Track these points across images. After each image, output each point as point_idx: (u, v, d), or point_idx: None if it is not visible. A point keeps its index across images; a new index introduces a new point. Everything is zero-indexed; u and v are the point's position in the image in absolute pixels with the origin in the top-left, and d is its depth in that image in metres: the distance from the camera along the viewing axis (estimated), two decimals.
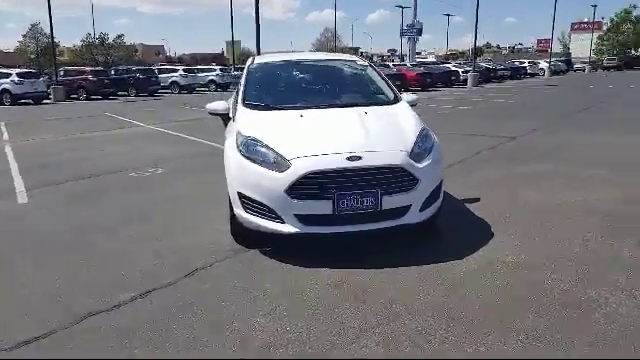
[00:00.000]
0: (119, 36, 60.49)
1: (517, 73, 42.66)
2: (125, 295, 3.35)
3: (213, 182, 6.42)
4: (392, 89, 5.05)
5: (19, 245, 4.40)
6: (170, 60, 78.15)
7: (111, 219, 5.05)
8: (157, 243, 4.32)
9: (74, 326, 2.98)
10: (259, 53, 17.86)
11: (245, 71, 5.13)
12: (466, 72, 34.14)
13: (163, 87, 31.52)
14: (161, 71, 33.32)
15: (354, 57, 6.54)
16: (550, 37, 52.42)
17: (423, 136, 4.10)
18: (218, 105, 4.88)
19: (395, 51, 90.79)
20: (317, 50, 70.53)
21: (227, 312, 3.10)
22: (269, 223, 3.76)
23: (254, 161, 3.83)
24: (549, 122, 12.21)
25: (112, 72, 31.72)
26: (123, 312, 3.14)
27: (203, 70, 36.43)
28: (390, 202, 3.72)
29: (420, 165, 3.83)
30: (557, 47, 74.44)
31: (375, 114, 4.42)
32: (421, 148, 3.95)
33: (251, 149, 3.91)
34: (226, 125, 4.86)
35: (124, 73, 31.17)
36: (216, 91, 33.55)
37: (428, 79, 29.62)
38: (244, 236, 4.16)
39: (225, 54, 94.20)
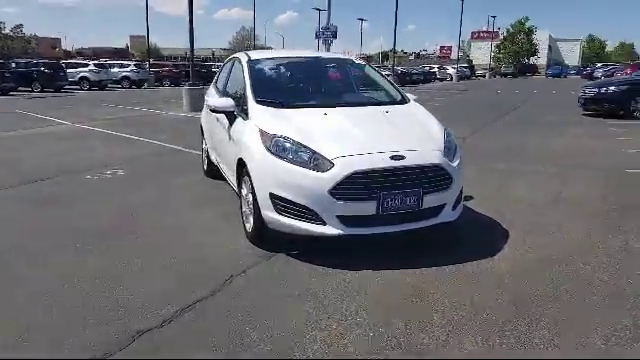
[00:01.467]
0: (17, 26, 55.36)
1: (429, 77, 44.85)
2: (170, 309, 3.05)
3: (189, 185, 6.13)
4: (397, 88, 5.06)
5: None
6: (69, 54, 72.88)
7: (106, 230, 4.59)
8: (170, 253, 3.98)
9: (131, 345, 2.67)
10: (192, 51, 17.16)
11: (245, 68, 4.87)
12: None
13: (71, 82, 29.32)
14: (69, 65, 30.98)
15: (349, 56, 6.49)
16: (450, 44, 55.72)
17: (449, 135, 4.14)
18: (224, 102, 4.60)
19: None
20: (234, 49, 69.42)
21: (298, 318, 2.93)
22: (308, 225, 3.61)
23: (290, 161, 3.66)
24: (484, 125, 12.89)
25: (13, 65, 28.95)
26: (175, 326, 2.86)
27: (116, 65, 34.40)
28: (429, 201, 3.72)
29: (453, 164, 3.88)
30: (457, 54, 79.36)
31: (396, 113, 4.40)
32: (450, 148, 3.99)
33: (285, 148, 3.73)
34: (231, 123, 4.59)
35: (27, 66, 28.56)
36: (130, 88, 31.89)
37: None
38: (265, 240, 3.97)
39: (130, 49, 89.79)
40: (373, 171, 3.53)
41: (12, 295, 3.26)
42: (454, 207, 3.95)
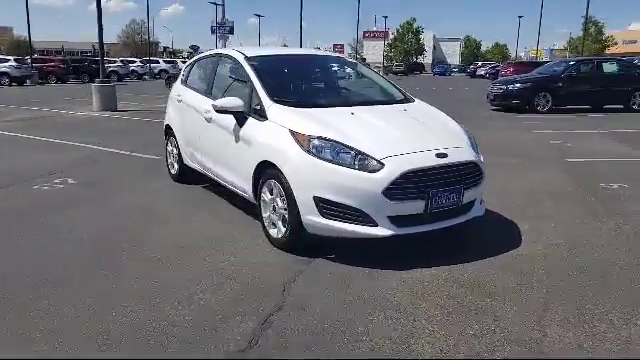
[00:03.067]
0: None
1: None
2: (247, 325, 2.82)
3: (163, 192, 5.73)
4: (396, 87, 5.09)
5: None
6: None
7: (114, 254, 4.10)
8: (204, 273, 3.67)
9: None
10: (102, 47, 15.92)
11: (246, 66, 4.60)
12: None
13: None
14: None
15: (339, 54, 6.41)
16: (342, 43, 57.27)
17: (468, 132, 4.25)
18: (232, 102, 4.29)
19: (198, 48, 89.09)
20: (124, 43, 65.66)
21: (390, 325, 2.84)
22: (358, 227, 3.51)
23: (333, 162, 3.53)
24: None
25: None
26: (266, 342, 2.65)
27: None
28: (466, 197, 3.80)
29: (483, 160, 3.99)
30: (348, 52, 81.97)
31: (415, 111, 4.44)
32: (475, 144, 4.10)
33: (326, 149, 3.59)
34: (240, 125, 4.33)
35: None
36: (10, 85, 28.97)
37: None
38: (298, 247, 3.82)
39: None
40: (423, 170, 3.53)
41: None
42: (481, 202, 4.07)
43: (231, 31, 67.09)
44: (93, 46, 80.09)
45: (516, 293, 3.23)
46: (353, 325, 2.84)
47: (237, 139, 4.36)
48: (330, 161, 3.55)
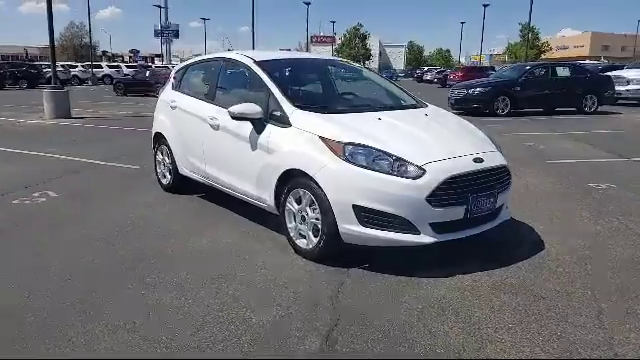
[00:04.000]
0: None
1: None
2: (311, 343, 2.67)
3: (159, 203, 5.40)
4: (405, 91, 5.05)
5: None
6: None
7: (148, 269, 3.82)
8: (244, 290, 3.47)
9: None
10: (53, 52, 15.09)
11: (259, 71, 4.42)
12: None
13: None
14: None
15: (342, 59, 6.31)
16: (289, 47, 57.47)
17: (490, 136, 4.27)
18: (250, 108, 4.10)
19: (138, 52, 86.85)
20: (63, 47, 62.85)
21: (463, 335, 2.76)
22: (399, 236, 3.43)
23: (372, 169, 3.44)
24: None
25: None
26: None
27: None
28: (498, 202, 3.81)
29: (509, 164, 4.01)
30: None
31: (437, 116, 4.42)
32: (500, 148, 4.12)
33: (364, 156, 3.49)
34: (258, 132, 4.15)
35: None
36: None
37: None
38: (330, 257, 3.70)
39: None
40: (464, 175, 3.50)
41: None
42: (507, 206, 4.09)
43: (176, 35, 65.90)
44: (25, 50, 76.15)
45: (564, 295, 3.25)
46: (421, 336, 2.76)
47: (254, 147, 4.18)
48: (367, 168, 3.45)
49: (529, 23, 47.34)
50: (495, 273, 3.57)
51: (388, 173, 3.41)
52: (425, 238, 3.42)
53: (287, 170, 3.85)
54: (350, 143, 3.55)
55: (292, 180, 3.84)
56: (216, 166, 4.83)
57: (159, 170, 5.99)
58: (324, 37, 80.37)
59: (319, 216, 3.64)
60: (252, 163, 4.24)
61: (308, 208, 3.74)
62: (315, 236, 3.73)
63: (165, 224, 4.72)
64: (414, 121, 4.18)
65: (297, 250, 3.90)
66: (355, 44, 78.91)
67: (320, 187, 3.57)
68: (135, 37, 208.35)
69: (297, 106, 4.02)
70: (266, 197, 4.15)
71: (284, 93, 4.15)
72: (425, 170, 3.40)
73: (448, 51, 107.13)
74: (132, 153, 8.63)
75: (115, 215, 4.99)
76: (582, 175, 6.86)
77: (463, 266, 3.65)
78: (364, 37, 79.37)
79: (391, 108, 4.45)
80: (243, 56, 4.79)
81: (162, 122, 5.79)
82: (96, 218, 4.90)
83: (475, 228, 3.66)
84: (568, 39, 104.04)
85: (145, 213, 5.06)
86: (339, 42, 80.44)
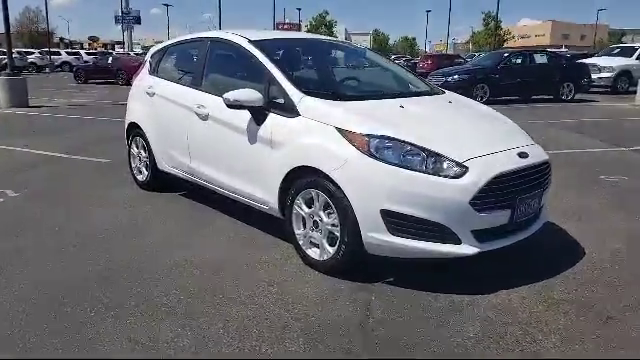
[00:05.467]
0: None
1: None
2: None
3: (130, 203, 4.71)
4: (417, 75, 4.51)
5: None
6: None
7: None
8: (261, 312, 2.88)
9: None
10: (9, 37, 13.88)
11: (256, 52, 3.77)
12: None
13: None
14: None
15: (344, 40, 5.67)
16: None
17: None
18: (249, 94, 3.47)
19: (97, 39, 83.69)
20: (18, 32, 59.84)
21: None
22: (438, 246, 2.88)
23: (402, 166, 2.89)
24: None
25: None
26: None
27: None
28: (542, 202, 3.33)
29: None
30: None
31: (461, 104, 3.92)
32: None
33: (392, 151, 2.94)
34: (258, 122, 3.54)
35: None
36: None
37: None
38: (347, 270, 3.15)
39: None
40: (512, 173, 2.98)
41: None
42: (546, 207, 3.61)
43: (138, 21, 63.42)
44: None
45: (631, 310, 2.78)
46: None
47: (253, 140, 3.57)
48: (397, 165, 2.89)
49: (497, 11, 47.45)
50: (542, 287, 3.08)
51: (423, 171, 2.87)
52: (467, 248, 2.90)
53: (295, 168, 3.26)
54: (375, 135, 2.99)
55: (301, 179, 3.26)
56: (204, 161, 4.19)
57: (134, 165, 5.30)
58: (289, 24, 78.96)
59: (337, 222, 3.08)
60: (250, 159, 3.63)
61: (322, 212, 3.18)
62: (331, 245, 3.17)
63: (145, 229, 4.06)
64: (440, 109, 3.65)
65: (307, 261, 3.34)
66: (321, 32, 77.87)
67: (339, 188, 3.00)
68: (94, 24, 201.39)
69: (305, 92, 3.42)
70: (268, 198, 3.56)
71: (288, 77, 3.54)
72: (467, 167, 2.87)
73: (414, 39, 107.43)
74: (98, 144, 7.85)
75: (85, 218, 4.29)
76: (588, 166, 6.50)
77: (501, 279, 3.16)
78: (330, 25, 78.44)
79: (409, 94, 3.89)
80: (235, 35, 4.13)
81: (137, 111, 5.08)
82: (62, 222, 4.19)
83: (519, 234, 3.17)
84: (529, 28, 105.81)
85: (120, 215, 4.38)
86: (305, 30, 79.23)
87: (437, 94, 4.07)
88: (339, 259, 3.10)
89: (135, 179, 5.30)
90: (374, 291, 3.01)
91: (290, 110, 3.38)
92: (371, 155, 2.93)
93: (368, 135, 2.99)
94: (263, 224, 3.96)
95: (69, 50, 48.37)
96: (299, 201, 3.31)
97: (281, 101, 3.47)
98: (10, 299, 2.88)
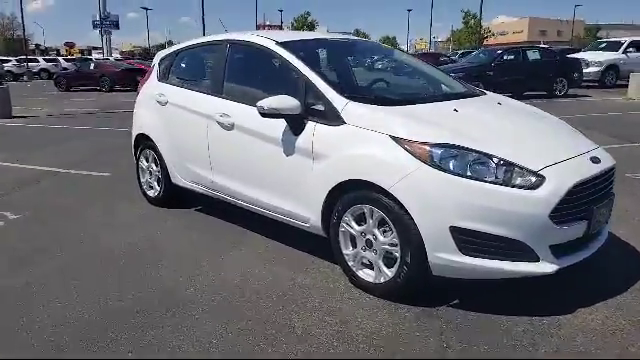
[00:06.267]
0: None
1: None
2: None
3: (144, 223, 4.34)
4: (448, 74, 4.23)
5: None
6: None
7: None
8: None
9: None
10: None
11: (287, 54, 3.44)
12: None
13: None
14: None
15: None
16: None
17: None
18: (288, 102, 3.15)
19: (74, 44, 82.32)
20: None
21: None
22: (514, 265, 2.60)
23: (477, 178, 2.60)
24: None
25: None
26: None
27: None
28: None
29: None
30: None
31: (512, 106, 3.65)
32: None
33: (457, 161, 2.65)
34: (296, 131, 3.23)
35: None
36: None
37: None
38: (411, 293, 2.86)
39: None
40: (589, 181, 2.72)
41: None
42: None
43: (116, 25, 62.51)
44: None
45: None
46: None
47: (290, 151, 3.26)
48: (466, 177, 2.61)
49: (480, 10, 47.58)
50: (619, 303, 2.83)
51: (495, 182, 2.59)
52: (546, 266, 2.62)
53: (344, 181, 2.95)
54: (439, 144, 2.70)
55: (350, 193, 2.96)
56: (229, 175, 3.86)
57: (144, 179, 4.93)
58: (271, 26, 78.53)
59: (396, 241, 2.78)
60: (287, 172, 3.32)
61: (377, 230, 2.88)
62: (388, 267, 2.86)
63: (169, 252, 3.72)
64: (495, 112, 3.38)
65: (358, 283, 3.04)
66: None
67: (400, 204, 2.69)
68: (69, 30, 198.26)
69: (348, 97, 3.11)
70: (309, 215, 3.24)
71: (328, 81, 3.23)
72: (544, 177, 2.60)
73: (394, 38, 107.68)
74: (94, 157, 7.45)
75: (99, 243, 3.93)
76: None
77: (570, 295, 2.91)
78: (312, 26, 78.16)
79: (454, 96, 3.60)
80: (258, 37, 3.81)
81: (147, 121, 4.72)
82: (74, 249, 3.82)
83: (592, 245, 2.91)
84: (507, 25, 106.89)
85: (137, 237, 4.02)
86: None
87: (478, 95, 3.79)
88: (399, 282, 2.80)
89: (145, 195, 4.94)
90: (442, 317, 2.73)
91: (333, 117, 3.07)
92: (436, 166, 2.64)
93: (431, 144, 2.70)
94: (294, 240, 3.66)
95: (46, 57, 47.18)
96: (347, 218, 3.01)
97: (320, 108, 3.16)
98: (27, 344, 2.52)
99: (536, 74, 15.69)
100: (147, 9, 66.64)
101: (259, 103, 3.19)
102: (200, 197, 4.39)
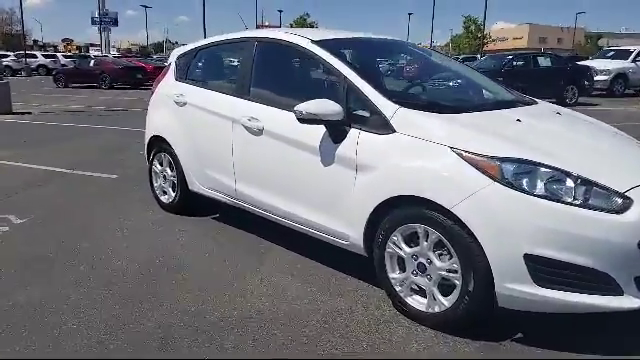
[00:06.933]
0: None
1: None
2: None
3: (159, 230, 4.01)
4: (492, 81, 3.92)
5: None
6: None
7: None
8: None
9: None
10: None
11: (326, 55, 3.12)
12: None
13: None
14: None
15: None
16: None
17: None
18: (328, 106, 2.84)
19: (71, 41, 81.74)
20: None
21: None
22: (594, 298, 2.29)
23: (554, 199, 2.29)
24: None
25: None
26: None
27: None
28: None
29: None
30: None
31: (570, 116, 3.35)
32: None
33: (529, 178, 2.34)
34: (337, 139, 2.91)
35: None
36: None
37: None
38: (470, 325, 2.54)
39: None
40: None
41: None
42: None
43: (115, 23, 62.24)
44: None
45: None
46: None
47: (329, 161, 2.94)
48: (541, 197, 2.30)
49: (484, 16, 47.29)
50: None
51: (574, 204, 2.27)
52: (631, 301, 2.30)
53: (393, 197, 2.63)
54: (509, 158, 2.39)
55: (399, 210, 2.64)
56: (255, 184, 3.54)
57: (157, 184, 4.61)
58: (270, 26, 78.30)
59: (456, 267, 2.46)
60: (325, 184, 3.00)
61: (432, 254, 2.56)
62: (445, 295, 2.54)
63: (191, 266, 3.39)
64: (559, 123, 3.08)
65: (406, 311, 2.71)
66: None
67: (464, 226, 2.38)
68: (66, 26, 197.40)
69: (397, 102, 2.80)
70: (349, 232, 2.92)
71: (375, 85, 2.90)
72: (631, 199, 2.29)
73: None
74: (100, 157, 7.12)
75: (112, 253, 3.59)
76: None
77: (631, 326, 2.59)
78: (312, 27, 77.92)
79: (509, 104, 3.29)
80: (292, 35, 3.49)
81: (163, 122, 4.39)
82: (86, 260, 3.49)
83: None
84: (507, 31, 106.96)
85: (154, 247, 3.71)
86: None
87: (532, 104, 3.49)
88: (458, 313, 2.49)
89: (158, 200, 4.61)
90: (508, 353, 2.40)
91: (381, 125, 2.76)
92: (507, 184, 2.33)
93: (500, 158, 2.38)
94: (323, 256, 3.35)
95: (45, 53, 46.63)
96: (396, 238, 2.69)
97: (366, 114, 2.84)
98: None
99: (546, 81, 15.41)
100: (147, 7, 66.14)
101: (297, 107, 2.87)
102: (217, 205, 4.06)
